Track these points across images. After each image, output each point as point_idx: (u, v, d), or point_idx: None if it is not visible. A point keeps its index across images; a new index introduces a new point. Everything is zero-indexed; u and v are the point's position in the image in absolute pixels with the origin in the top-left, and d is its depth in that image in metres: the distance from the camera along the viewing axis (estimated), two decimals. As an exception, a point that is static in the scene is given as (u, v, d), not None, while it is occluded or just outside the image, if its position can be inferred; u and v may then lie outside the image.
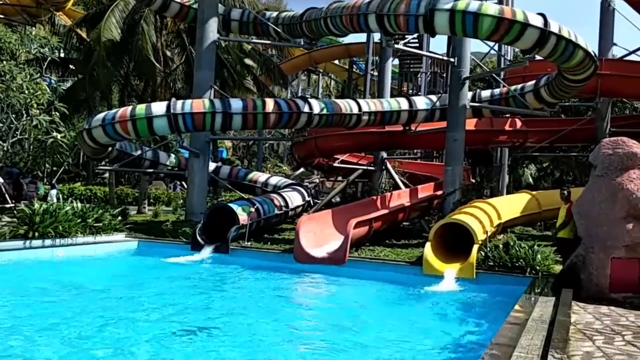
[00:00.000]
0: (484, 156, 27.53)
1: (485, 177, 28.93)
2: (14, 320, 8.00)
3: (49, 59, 18.03)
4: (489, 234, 13.20)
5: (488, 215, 14.12)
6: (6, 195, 17.24)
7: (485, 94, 19.62)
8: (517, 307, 8.07)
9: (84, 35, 26.79)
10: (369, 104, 18.32)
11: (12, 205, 16.72)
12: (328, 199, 22.54)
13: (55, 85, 29.63)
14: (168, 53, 28.37)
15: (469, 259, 12.08)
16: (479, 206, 14.59)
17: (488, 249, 12.64)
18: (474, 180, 26.14)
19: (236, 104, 16.89)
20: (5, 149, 15.89)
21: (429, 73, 29.94)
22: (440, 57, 24.01)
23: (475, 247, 12.26)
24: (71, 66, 25.88)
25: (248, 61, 29.24)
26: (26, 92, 15.47)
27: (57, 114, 16.33)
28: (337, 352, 7.24)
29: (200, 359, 6.71)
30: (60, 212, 14.14)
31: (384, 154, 22.73)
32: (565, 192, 11.61)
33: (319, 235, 14.53)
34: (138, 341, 7.24)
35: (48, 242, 13.58)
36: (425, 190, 19.82)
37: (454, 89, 17.34)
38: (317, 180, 32.81)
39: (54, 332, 7.44)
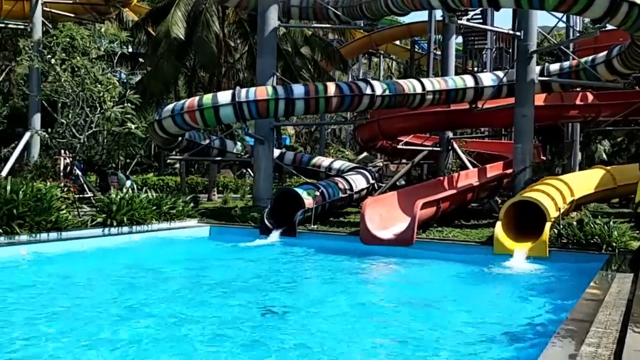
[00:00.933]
0: (554, 133, 26.68)
1: (556, 155, 28.06)
2: (107, 304, 8.40)
3: (119, 53, 18.66)
4: (561, 211, 12.83)
5: (560, 192, 13.72)
6: (85, 186, 18.11)
7: (554, 67, 18.97)
8: (593, 284, 7.85)
9: (150, 29, 27.62)
10: (433, 83, 18.06)
11: (90, 195, 17.54)
12: (393, 182, 22.42)
13: (125, 80, 30.75)
14: (231, 43, 28.86)
15: (542, 237, 11.79)
16: (551, 183, 14.19)
17: (561, 226, 12.30)
18: (544, 158, 25.41)
19: (298, 89, 17.04)
20: (82, 141, 16.64)
21: (494, 49, 29.18)
22: (506, 31, 23.30)
23: (548, 225, 11.95)
24: (140, 60, 26.72)
25: (304, 50, 29.30)
26: (99, 85, 16.14)
27: (130, 105, 16.97)
28: (413, 331, 7.25)
29: (279, 336, 6.88)
30: (135, 201, 14.74)
31: (450, 134, 22.38)
32: (644, 165, 11.13)
33: (385, 217, 14.52)
34: (221, 319, 7.54)
35: (125, 229, 14.19)
36: (494, 170, 19.42)
37: (521, 64, 16.84)
38: (381, 164, 32.66)
39: (141, 312, 7.82)
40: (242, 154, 22.94)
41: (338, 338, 6.87)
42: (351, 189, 18.54)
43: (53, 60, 16.14)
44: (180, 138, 19.03)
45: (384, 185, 21.76)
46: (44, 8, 22.22)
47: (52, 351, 6.09)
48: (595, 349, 4.82)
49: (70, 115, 16.90)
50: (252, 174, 24.91)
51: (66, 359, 5.90)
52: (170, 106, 17.17)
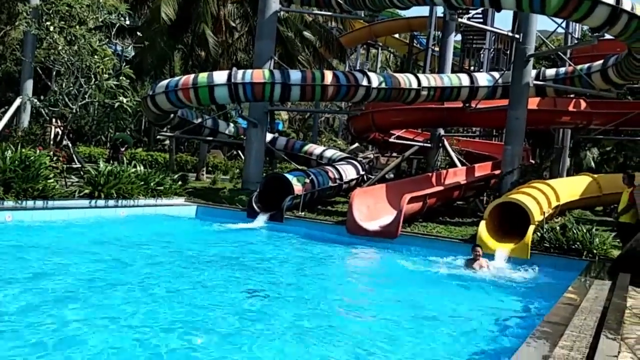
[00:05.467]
0: (545, 137, 26.86)
1: (545, 159, 28.28)
2: (83, 275, 8.43)
3: (117, 25, 18.46)
4: (546, 215, 12.98)
5: (546, 196, 13.87)
6: (74, 157, 18.01)
7: (550, 72, 19.09)
8: (571, 288, 7.96)
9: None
10: (429, 79, 18.13)
11: (79, 166, 17.45)
12: (382, 175, 22.50)
13: (119, 52, 30.46)
14: (232, 23, 28.59)
15: (524, 239, 11.94)
16: (537, 187, 14.32)
17: (544, 230, 12.44)
18: (533, 161, 25.59)
19: (295, 75, 17.03)
20: (74, 111, 16.51)
21: (492, 49, 29.26)
22: (505, 33, 23.38)
23: (532, 228, 12.09)
24: (139, 33, 26.49)
25: (307, 34, 29.14)
26: (96, 57, 16.00)
27: (125, 79, 16.84)
28: (388, 321, 7.33)
29: (255, 319, 6.94)
30: (123, 175, 14.68)
31: (442, 131, 22.48)
32: (628, 175, 11.28)
33: (372, 208, 14.63)
34: (195, 295, 7.68)
35: (111, 202, 14.16)
36: (482, 169, 19.57)
37: (517, 67, 16.95)
38: (372, 156, 32.72)
39: (120, 286, 7.86)
40: (234, 135, 22.90)
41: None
42: (341, 178, 18.61)
43: (52, 28, 15.92)
44: (172, 115, 18.95)
45: (373, 177, 21.85)
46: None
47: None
48: (568, 351, 4.92)
49: (64, 85, 16.74)
50: (242, 156, 24.89)
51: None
52: (164, 82, 17.09)
